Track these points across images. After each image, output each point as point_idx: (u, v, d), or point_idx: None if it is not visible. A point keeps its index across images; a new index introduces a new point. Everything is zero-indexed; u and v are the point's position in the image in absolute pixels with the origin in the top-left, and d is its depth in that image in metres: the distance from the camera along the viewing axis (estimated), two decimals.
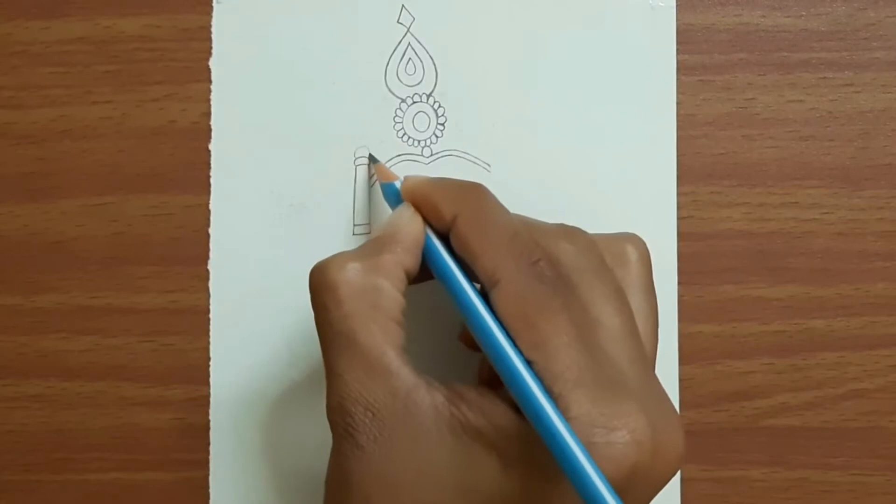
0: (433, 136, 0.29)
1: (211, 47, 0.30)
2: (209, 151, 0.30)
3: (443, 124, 0.29)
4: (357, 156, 0.29)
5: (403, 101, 0.29)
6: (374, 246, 0.24)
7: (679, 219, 0.29)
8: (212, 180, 0.30)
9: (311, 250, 0.29)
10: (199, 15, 0.30)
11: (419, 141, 0.29)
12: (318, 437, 0.29)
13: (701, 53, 0.29)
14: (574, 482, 0.20)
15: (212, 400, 0.29)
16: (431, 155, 0.29)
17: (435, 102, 0.29)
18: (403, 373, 0.22)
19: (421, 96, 0.29)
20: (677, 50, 0.29)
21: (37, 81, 0.30)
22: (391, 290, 0.23)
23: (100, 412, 0.30)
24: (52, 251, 0.30)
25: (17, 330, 0.30)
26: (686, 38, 0.29)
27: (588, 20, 0.29)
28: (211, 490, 0.29)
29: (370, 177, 0.29)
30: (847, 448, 0.29)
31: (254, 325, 0.29)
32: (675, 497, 0.28)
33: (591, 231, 0.25)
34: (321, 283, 0.23)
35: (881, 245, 0.29)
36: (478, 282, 0.23)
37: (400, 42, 0.29)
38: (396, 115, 0.29)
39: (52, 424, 0.30)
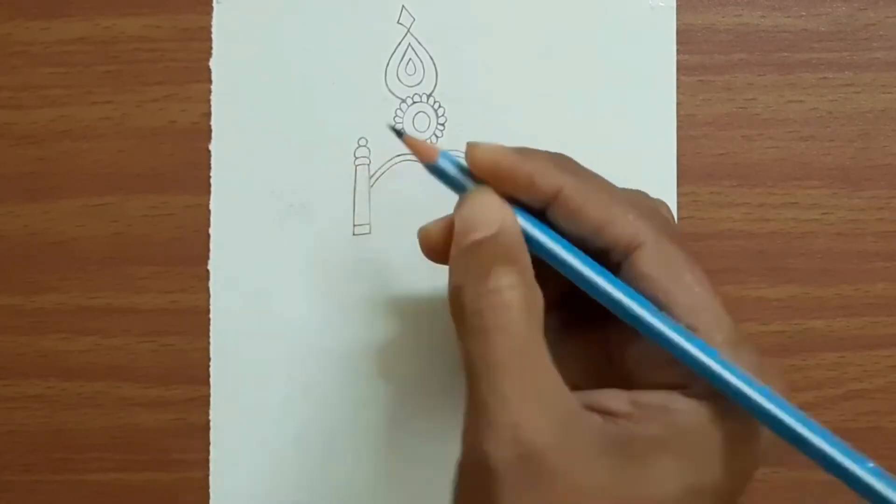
0: (433, 137, 0.29)
1: (211, 47, 0.30)
2: (209, 151, 0.30)
3: (443, 124, 0.29)
4: (357, 156, 0.29)
5: (403, 101, 0.29)
6: (497, 253, 0.21)
7: (679, 219, 0.29)
8: (212, 180, 0.30)
9: (311, 250, 0.29)
10: (199, 15, 0.30)
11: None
12: (318, 437, 0.29)
13: (701, 53, 0.29)
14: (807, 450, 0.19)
15: (212, 400, 0.29)
16: None
17: (435, 103, 0.29)
18: (565, 396, 0.20)
19: (421, 96, 0.29)
20: (677, 50, 0.29)
21: (37, 81, 0.30)
22: (541, 300, 0.21)
23: (100, 412, 0.30)
24: (52, 251, 0.30)
25: (17, 330, 0.30)
26: (686, 38, 0.29)
27: (588, 20, 0.29)
28: (211, 490, 0.29)
29: (370, 177, 0.29)
30: None
31: (254, 325, 0.29)
32: None
33: None
34: (474, 312, 0.20)
35: (881, 245, 0.29)
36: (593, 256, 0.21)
37: (400, 42, 0.29)
38: (396, 116, 0.29)
39: (52, 424, 0.30)
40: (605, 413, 0.20)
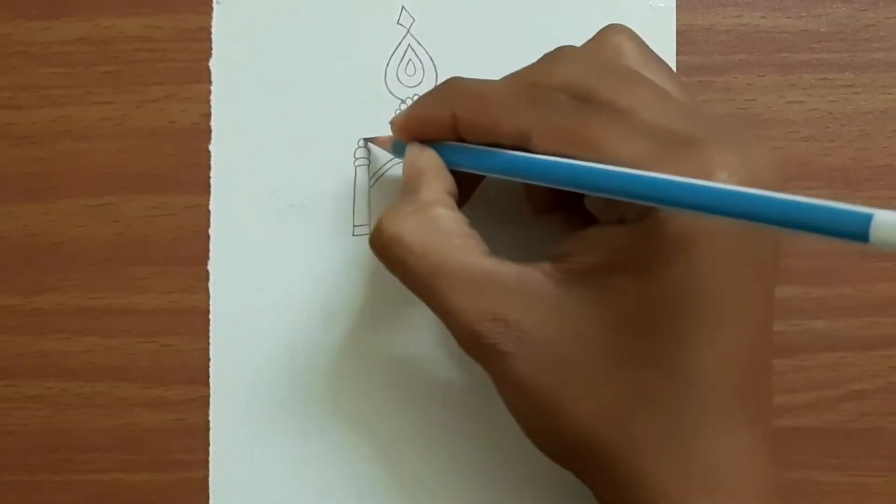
0: None
1: (211, 47, 0.30)
2: (209, 151, 0.30)
3: None
4: (357, 156, 0.29)
5: (403, 101, 0.29)
6: (407, 189, 0.24)
7: None
8: (212, 180, 0.30)
9: (311, 250, 0.29)
10: (199, 15, 0.30)
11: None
12: (318, 437, 0.29)
13: (701, 54, 0.29)
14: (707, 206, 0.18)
15: (212, 400, 0.29)
16: None
17: None
18: (503, 267, 0.23)
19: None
20: (677, 50, 0.29)
21: (37, 82, 0.30)
22: (448, 212, 0.24)
23: (100, 412, 0.30)
24: (52, 251, 0.30)
25: (17, 330, 0.30)
26: (686, 39, 0.29)
27: (588, 21, 0.29)
28: (211, 490, 0.29)
29: (370, 177, 0.29)
30: (847, 448, 0.29)
31: (254, 325, 0.29)
32: None
33: None
34: (385, 242, 0.23)
35: None
36: None
37: (400, 43, 0.29)
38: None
39: (52, 424, 0.30)
40: (554, 258, 0.23)
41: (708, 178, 0.20)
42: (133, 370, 0.30)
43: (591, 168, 0.21)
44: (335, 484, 0.29)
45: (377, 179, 0.29)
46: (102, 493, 0.30)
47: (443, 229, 0.23)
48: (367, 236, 0.29)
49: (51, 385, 0.30)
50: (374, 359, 0.29)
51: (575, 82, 0.23)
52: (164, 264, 0.30)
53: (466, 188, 0.26)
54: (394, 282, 0.29)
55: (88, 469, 0.30)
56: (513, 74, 0.24)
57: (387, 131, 0.29)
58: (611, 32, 0.25)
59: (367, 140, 0.29)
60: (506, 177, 0.23)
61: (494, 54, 0.29)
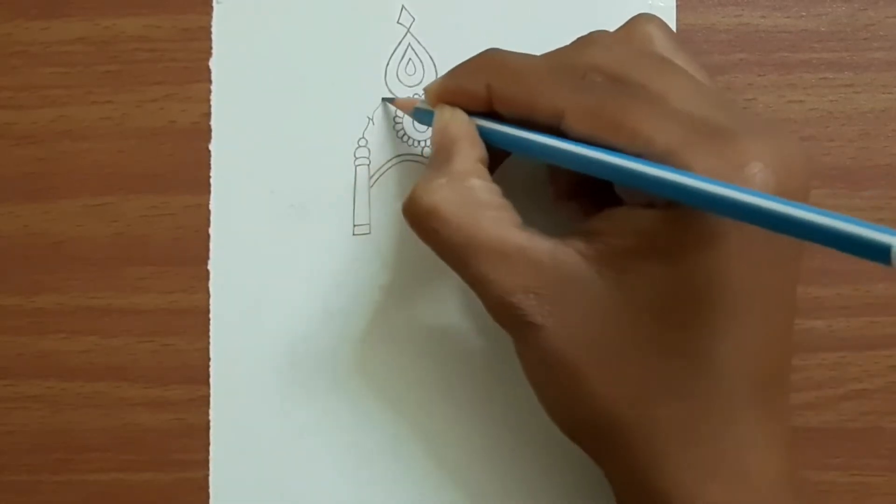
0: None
1: (211, 47, 0.30)
2: (209, 151, 0.30)
3: None
4: (357, 156, 0.29)
5: None
6: (440, 157, 0.24)
7: None
8: (212, 180, 0.30)
9: (311, 250, 0.29)
10: (199, 15, 0.30)
11: (419, 141, 0.29)
12: (318, 437, 0.29)
13: (701, 53, 0.29)
14: (732, 212, 0.19)
15: (212, 400, 0.29)
16: None
17: None
18: (537, 242, 0.23)
19: (421, 97, 0.29)
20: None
21: (37, 81, 0.30)
22: (482, 183, 0.23)
23: (100, 412, 0.30)
24: (52, 251, 0.30)
25: (17, 330, 0.30)
26: (686, 38, 0.29)
27: (588, 20, 0.29)
28: (211, 490, 0.29)
29: (370, 177, 0.29)
30: (847, 448, 0.29)
31: (254, 325, 0.29)
32: None
33: None
34: (420, 212, 0.23)
35: None
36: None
37: (400, 42, 0.29)
38: (396, 116, 0.29)
39: (52, 424, 0.30)
40: (585, 234, 0.23)
41: (741, 168, 0.20)
42: (133, 370, 0.30)
43: (624, 163, 0.21)
44: (335, 484, 0.29)
45: (377, 179, 0.29)
46: (102, 493, 0.30)
47: (477, 200, 0.23)
48: (368, 236, 0.29)
49: (51, 385, 0.30)
50: (373, 358, 0.29)
51: (609, 65, 0.23)
52: (164, 264, 0.30)
53: (495, 158, 0.25)
54: (393, 281, 0.29)
55: (88, 469, 0.30)
56: (549, 53, 0.24)
57: (387, 131, 0.29)
58: (641, 21, 0.25)
59: (386, 100, 0.29)
60: (534, 158, 0.23)
61: None
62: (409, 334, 0.29)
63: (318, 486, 0.29)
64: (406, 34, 0.29)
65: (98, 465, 0.30)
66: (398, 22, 0.29)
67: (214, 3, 0.30)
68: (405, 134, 0.29)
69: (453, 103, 0.25)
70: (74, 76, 0.30)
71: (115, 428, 0.30)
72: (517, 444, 0.29)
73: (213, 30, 0.30)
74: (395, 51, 0.29)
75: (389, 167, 0.29)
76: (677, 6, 0.29)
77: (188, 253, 0.30)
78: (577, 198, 0.26)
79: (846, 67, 0.29)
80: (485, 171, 0.24)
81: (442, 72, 0.29)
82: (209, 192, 0.30)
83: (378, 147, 0.29)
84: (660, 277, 0.21)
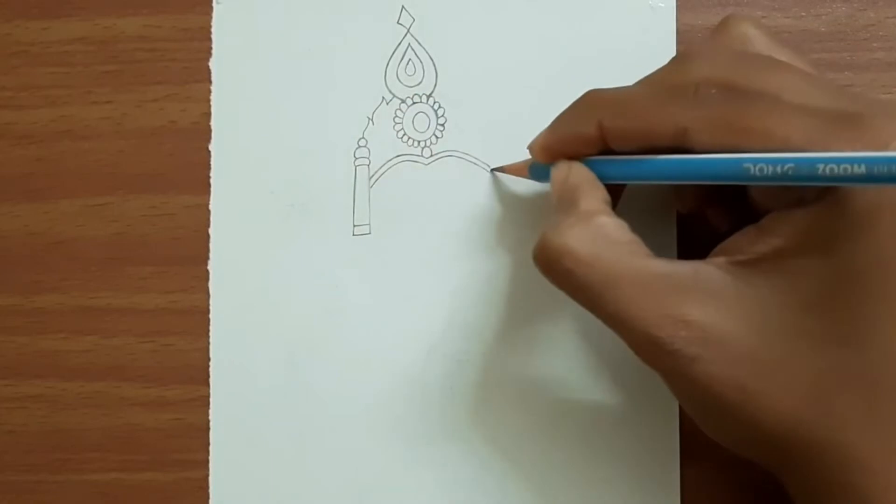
0: (433, 137, 0.29)
1: (211, 47, 0.30)
2: (209, 151, 0.30)
3: (443, 125, 0.29)
4: (357, 156, 0.29)
5: (403, 101, 0.29)
6: (564, 204, 0.24)
7: None
8: (212, 180, 0.30)
9: (311, 250, 0.29)
10: (199, 15, 0.30)
11: (419, 141, 0.29)
12: (318, 437, 0.29)
13: None
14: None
15: (212, 400, 0.29)
16: (431, 155, 0.29)
17: (435, 103, 0.29)
18: (678, 268, 0.22)
19: (421, 97, 0.29)
20: (677, 50, 0.29)
21: (37, 81, 0.30)
22: (611, 220, 0.23)
23: (100, 412, 0.30)
24: (52, 251, 0.30)
25: (17, 330, 0.30)
26: (686, 39, 0.29)
27: (588, 21, 0.29)
28: (211, 490, 0.29)
29: (370, 177, 0.29)
30: None
31: (254, 325, 0.29)
32: (675, 496, 0.28)
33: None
34: (552, 256, 0.23)
35: None
36: None
37: (400, 43, 0.29)
38: (396, 116, 0.29)
39: (52, 424, 0.30)
40: (726, 252, 0.22)
41: (885, 148, 0.20)
42: (133, 370, 0.30)
43: (774, 158, 0.20)
44: (335, 484, 0.29)
45: (377, 179, 0.29)
46: (102, 493, 0.30)
47: (609, 237, 0.23)
48: (368, 236, 0.29)
49: (51, 385, 0.30)
50: (373, 358, 0.29)
51: (718, 76, 0.23)
52: (164, 264, 0.30)
53: (613, 198, 0.25)
54: (393, 281, 0.29)
55: (88, 469, 0.30)
56: (647, 79, 0.24)
57: (387, 131, 0.29)
58: (734, 23, 0.24)
59: (495, 170, 0.29)
60: (668, 182, 0.23)
61: (494, 54, 0.29)
62: (407, 333, 0.29)
63: (318, 487, 0.29)
64: (406, 34, 0.29)
65: (98, 465, 0.30)
66: (398, 22, 0.29)
67: (214, 3, 0.30)
68: (405, 134, 0.29)
69: (563, 152, 0.25)
70: (74, 76, 0.30)
71: (114, 428, 0.30)
72: (517, 443, 0.29)
73: (213, 30, 0.30)
74: (395, 51, 0.29)
75: (389, 167, 0.29)
76: (677, 6, 0.29)
77: (188, 253, 0.30)
78: (707, 207, 0.26)
79: (846, 67, 0.29)
80: (611, 210, 0.24)
81: (442, 72, 0.29)
82: (209, 192, 0.30)
83: (378, 147, 0.29)
84: (816, 272, 0.21)
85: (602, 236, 0.23)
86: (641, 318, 0.22)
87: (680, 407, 0.28)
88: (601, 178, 0.24)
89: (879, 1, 0.29)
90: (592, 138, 0.24)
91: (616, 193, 0.26)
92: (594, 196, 0.24)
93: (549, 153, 0.25)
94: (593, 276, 0.22)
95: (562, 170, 0.25)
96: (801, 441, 0.22)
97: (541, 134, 0.25)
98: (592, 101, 0.24)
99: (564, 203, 0.24)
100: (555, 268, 0.23)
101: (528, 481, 0.28)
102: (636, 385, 0.28)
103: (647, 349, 0.22)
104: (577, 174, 0.24)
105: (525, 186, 0.29)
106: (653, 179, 0.23)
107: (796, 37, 0.29)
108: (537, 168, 0.26)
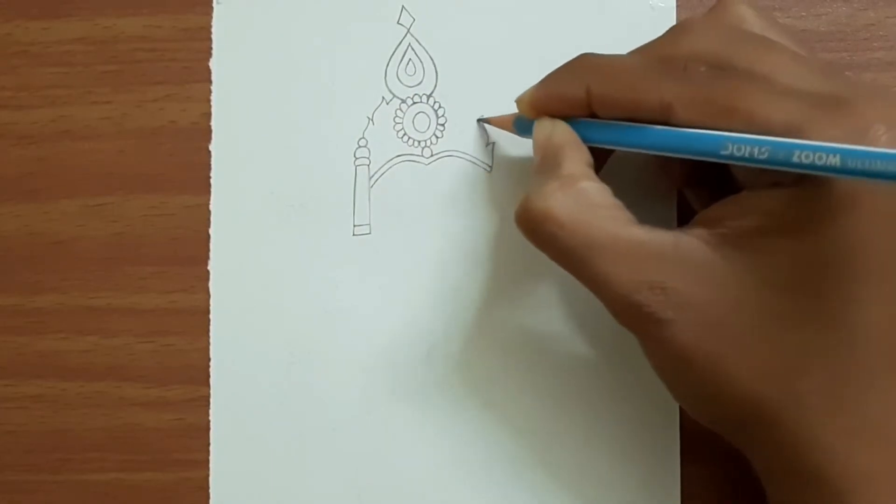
0: (433, 137, 0.29)
1: (211, 47, 0.30)
2: (209, 151, 0.30)
3: (443, 125, 0.29)
4: (357, 156, 0.29)
5: (403, 101, 0.29)
6: (547, 165, 0.24)
7: None
8: (212, 180, 0.30)
9: (311, 250, 0.29)
10: (199, 15, 0.30)
11: (419, 141, 0.29)
12: (318, 437, 0.29)
13: None
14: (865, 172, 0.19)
15: (212, 400, 0.29)
16: (432, 155, 0.29)
17: (435, 103, 0.29)
18: (657, 235, 0.23)
19: (421, 97, 0.29)
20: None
21: (37, 81, 0.30)
22: (594, 184, 0.23)
23: (100, 412, 0.30)
24: (52, 251, 0.30)
25: (16, 330, 0.30)
26: None
27: (587, 20, 0.29)
28: (211, 490, 0.29)
29: (370, 177, 0.29)
30: None
31: (254, 325, 0.29)
32: (675, 496, 0.28)
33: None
34: (535, 219, 0.23)
35: None
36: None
37: (400, 43, 0.29)
38: (396, 116, 0.29)
39: (52, 424, 0.30)
40: (707, 223, 0.23)
41: (865, 132, 0.20)
42: (133, 370, 0.30)
43: (752, 139, 0.21)
44: (335, 484, 0.29)
45: (377, 179, 0.29)
46: (102, 493, 0.30)
47: (591, 202, 0.23)
48: (368, 236, 0.29)
49: (51, 385, 0.30)
50: (373, 358, 0.29)
51: (709, 52, 0.23)
52: (164, 264, 0.30)
53: (597, 161, 0.25)
54: (393, 281, 0.29)
55: (88, 469, 0.30)
56: (641, 49, 0.24)
57: (387, 131, 0.29)
58: (730, 2, 0.25)
59: (481, 120, 0.29)
60: (648, 151, 0.23)
61: (494, 53, 0.29)
62: (407, 333, 0.29)
63: (318, 487, 0.29)
64: (406, 34, 0.29)
65: (98, 464, 0.30)
66: (398, 22, 0.29)
67: (214, 3, 0.30)
68: (405, 134, 0.29)
69: (549, 110, 0.25)
70: (74, 76, 0.30)
71: (115, 428, 0.30)
72: (517, 443, 0.29)
73: (213, 30, 0.30)
74: (395, 51, 0.29)
75: (389, 167, 0.29)
76: (677, 6, 0.29)
77: (188, 253, 0.30)
78: (692, 185, 0.27)
79: (846, 67, 0.29)
80: (593, 174, 0.24)
81: (442, 72, 0.29)
82: (209, 192, 0.30)
83: (378, 147, 0.29)
84: (793, 252, 0.21)
85: (585, 201, 0.23)
86: (620, 282, 0.22)
87: (680, 407, 0.28)
88: (584, 140, 0.24)
89: (879, 1, 0.29)
90: (579, 101, 0.24)
91: (601, 158, 0.26)
92: (578, 158, 0.24)
93: (536, 109, 0.25)
94: (575, 240, 0.23)
95: (545, 127, 0.25)
96: (764, 418, 0.22)
97: (530, 89, 0.25)
98: (584, 64, 0.25)
99: (547, 163, 0.24)
100: (537, 231, 0.23)
101: (528, 481, 0.28)
102: (637, 385, 0.28)
103: (625, 312, 0.23)
104: (560, 134, 0.25)
105: (525, 186, 0.29)
106: (634, 147, 0.24)
107: (796, 37, 0.29)
108: (522, 122, 0.26)
